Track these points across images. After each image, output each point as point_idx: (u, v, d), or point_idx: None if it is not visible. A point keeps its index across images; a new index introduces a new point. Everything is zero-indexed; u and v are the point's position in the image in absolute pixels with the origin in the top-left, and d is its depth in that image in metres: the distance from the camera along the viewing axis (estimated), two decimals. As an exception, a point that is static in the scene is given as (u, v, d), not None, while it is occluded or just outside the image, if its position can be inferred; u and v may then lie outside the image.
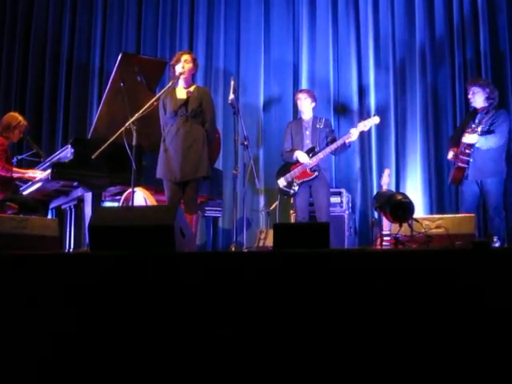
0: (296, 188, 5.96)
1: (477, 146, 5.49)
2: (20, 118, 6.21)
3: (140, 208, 4.59)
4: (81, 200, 6.03)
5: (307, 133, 6.07)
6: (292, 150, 6.07)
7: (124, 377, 2.80)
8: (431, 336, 2.54)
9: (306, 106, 6.13)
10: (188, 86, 5.24)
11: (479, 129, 5.43)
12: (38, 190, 6.10)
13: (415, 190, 7.00)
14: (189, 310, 2.80)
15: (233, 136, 5.49)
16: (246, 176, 5.74)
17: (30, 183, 6.18)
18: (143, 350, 2.78)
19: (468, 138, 5.49)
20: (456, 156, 5.67)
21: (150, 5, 8.29)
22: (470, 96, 5.78)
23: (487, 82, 5.90)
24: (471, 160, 5.56)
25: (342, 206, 6.60)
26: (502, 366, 2.47)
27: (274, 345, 2.68)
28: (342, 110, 7.56)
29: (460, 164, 5.62)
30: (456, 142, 5.85)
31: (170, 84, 5.19)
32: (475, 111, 5.77)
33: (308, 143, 6.04)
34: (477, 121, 5.64)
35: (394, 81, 7.35)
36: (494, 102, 5.71)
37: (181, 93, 5.21)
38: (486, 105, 5.68)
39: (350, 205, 6.87)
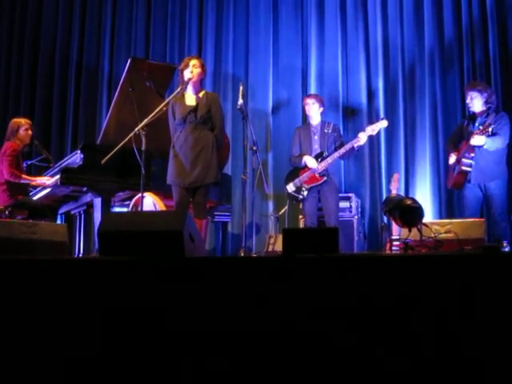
0: (305, 193, 5.95)
1: (485, 147, 5.45)
2: (19, 119, 6.33)
3: (149, 213, 4.59)
4: (90, 205, 6.04)
5: (315, 138, 6.07)
6: (300, 155, 6.06)
7: (132, 381, 2.80)
8: (441, 341, 2.53)
9: (314, 111, 6.13)
10: (197, 91, 5.24)
11: (490, 129, 5.36)
12: (47, 195, 6.13)
13: (424, 194, 6.98)
14: (198, 314, 2.80)
15: (242, 141, 5.48)
16: (255, 181, 5.74)
17: (39, 188, 6.21)
18: (152, 355, 2.78)
19: (476, 140, 5.43)
20: (458, 160, 5.65)
21: (159, 10, 8.33)
22: (468, 101, 5.76)
23: (485, 86, 5.84)
24: (473, 163, 5.54)
25: (351, 211, 6.60)
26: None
27: (283, 349, 2.67)
28: (350, 115, 7.55)
29: (463, 168, 5.58)
30: (455, 146, 5.83)
31: (179, 89, 5.19)
32: (474, 115, 5.76)
33: (316, 148, 6.03)
34: (477, 124, 5.62)
35: (403, 85, 7.34)
36: (493, 105, 5.69)
37: (190, 99, 5.22)
38: (485, 108, 5.66)
39: (359, 209, 6.85)
